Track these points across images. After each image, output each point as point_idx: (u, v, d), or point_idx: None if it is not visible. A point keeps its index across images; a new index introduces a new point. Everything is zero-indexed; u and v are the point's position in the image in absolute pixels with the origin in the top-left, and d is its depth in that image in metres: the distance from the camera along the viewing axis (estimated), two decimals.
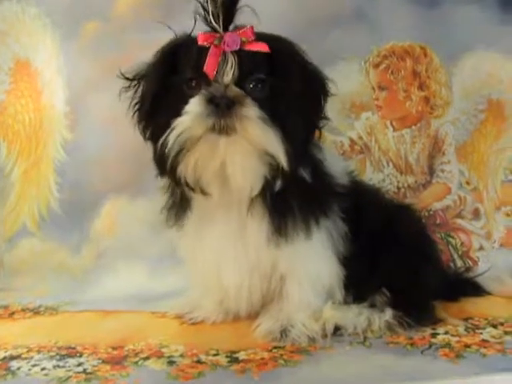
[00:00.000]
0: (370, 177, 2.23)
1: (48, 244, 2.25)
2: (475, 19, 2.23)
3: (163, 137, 1.38)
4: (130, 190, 2.24)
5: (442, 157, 2.23)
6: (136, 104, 1.51)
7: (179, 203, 1.58)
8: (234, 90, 1.37)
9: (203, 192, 1.44)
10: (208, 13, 1.39)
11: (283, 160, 1.38)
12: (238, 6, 1.40)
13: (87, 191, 2.25)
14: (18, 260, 2.25)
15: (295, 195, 1.51)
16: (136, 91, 1.51)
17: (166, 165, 1.41)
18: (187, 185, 1.44)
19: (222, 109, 1.34)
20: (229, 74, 1.37)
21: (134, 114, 1.51)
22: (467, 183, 2.24)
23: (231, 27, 1.40)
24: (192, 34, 1.44)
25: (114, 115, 2.10)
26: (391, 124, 2.25)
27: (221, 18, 1.38)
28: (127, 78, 1.52)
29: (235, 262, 1.55)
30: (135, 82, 1.52)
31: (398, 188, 2.23)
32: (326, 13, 2.19)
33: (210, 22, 1.39)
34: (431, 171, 2.24)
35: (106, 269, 2.16)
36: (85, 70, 2.28)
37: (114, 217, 2.25)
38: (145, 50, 1.51)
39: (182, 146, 1.37)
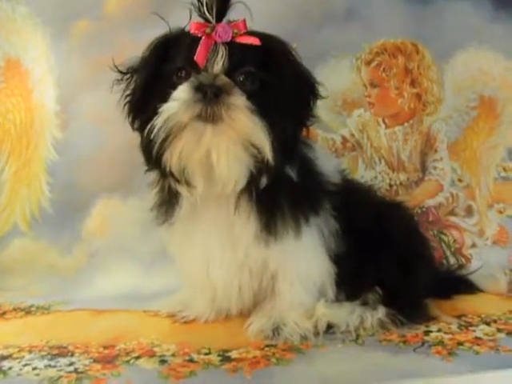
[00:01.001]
0: (362, 174, 2.23)
1: (39, 244, 2.25)
2: (467, 16, 2.23)
3: (150, 123, 1.38)
4: (121, 190, 2.23)
5: (434, 154, 2.23)
6: (127, 96, 1.50)
7: (168, 200, 1.57)
8: (223, 80, 1.37)
9: (188, 183, 1.43)
10: (202, 3, 1.40)
11: (268, 153, 1.38)
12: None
13: (78, 191, 2.25)
14: (10, 260, 2.24)
15: (284, 193, 1.50)
16: (128, 84, 1.51)
17: (152, 152, 1.40)
18: (172, 175, 1.43)
19: (210, 96, 1.34)
20: (219, 64, 1.37)
21: (124, 105, 1.50)
22: (460, 180, 2.23)
23: (224, 20, 1.40)
24: (185, 29, 1.45)
25: (105, 115, 2.11)
26: (383, 121, 2.25)
27: (214, 9, 1.39)
28: (120, 71, 1.52)
29: (223, 260, 1.55)
30: (128, 76, 1.52)
31: (390, 185, 2.23)
32: (317, 10, 2.19)
33: (204, 12, 1.40)
34: (423, 168, 2.24)
35: (97, 268, 2.16)
36: (75, 69, 2.28)
37: (105, 216, 2.24)
38: (135, 49, 1.51)
39: (168, 132, 1.37)
